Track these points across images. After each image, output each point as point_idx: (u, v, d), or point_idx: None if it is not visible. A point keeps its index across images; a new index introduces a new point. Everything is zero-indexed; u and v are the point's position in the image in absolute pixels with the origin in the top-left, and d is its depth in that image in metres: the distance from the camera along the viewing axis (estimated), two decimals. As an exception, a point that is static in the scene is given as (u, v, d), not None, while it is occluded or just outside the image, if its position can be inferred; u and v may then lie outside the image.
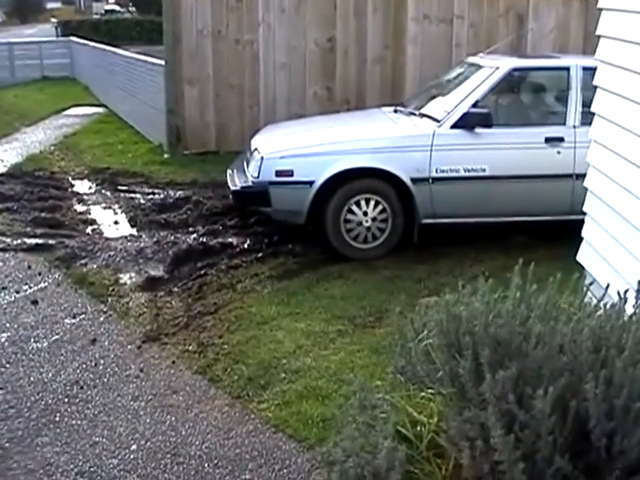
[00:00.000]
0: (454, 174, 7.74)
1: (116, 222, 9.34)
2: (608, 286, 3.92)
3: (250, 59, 12.58)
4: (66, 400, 5.29)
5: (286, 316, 6.47)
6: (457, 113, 7.88)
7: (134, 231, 8.96)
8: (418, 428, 3.38)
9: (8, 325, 6.51)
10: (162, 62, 12.86)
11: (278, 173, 7.82)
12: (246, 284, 7.22)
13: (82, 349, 6.05)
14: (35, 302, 6.94)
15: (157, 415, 5.05)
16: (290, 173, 7.79)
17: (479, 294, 3.60)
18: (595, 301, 3.77)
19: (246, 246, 8.27)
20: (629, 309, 3.48)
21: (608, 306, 3.54)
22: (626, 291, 3.54)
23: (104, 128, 16.52)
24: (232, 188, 8.24)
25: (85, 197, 10.56)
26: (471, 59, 9.24)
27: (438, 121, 7.96)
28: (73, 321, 6.57)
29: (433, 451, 3.31)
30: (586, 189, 5.61)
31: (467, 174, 7.75)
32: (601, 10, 5.34)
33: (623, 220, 4.90)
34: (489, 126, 7.83)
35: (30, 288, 7.29)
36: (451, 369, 3.38)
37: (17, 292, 7.20)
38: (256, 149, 8.30)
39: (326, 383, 5.29)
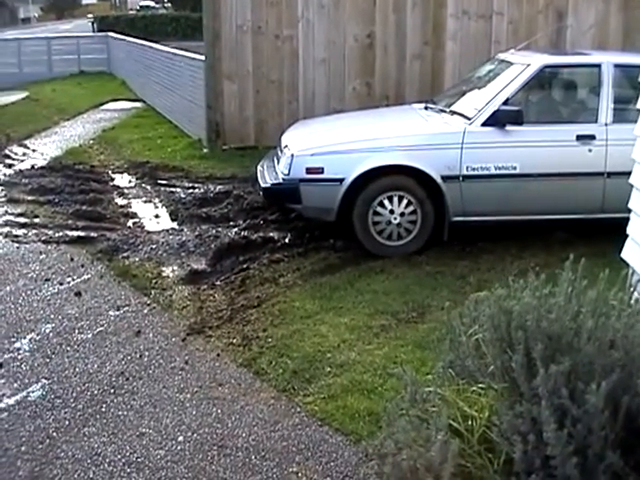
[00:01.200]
0: (485, 172, 7.69)
1: (157, 216, 9.39)
2: (657, 283, 3.91)
3: (289, 55, 12.61)
4: (112, 391, 5.33)
5: (329, 310, 6.47)
6: (488, 111, 7.81)
7: (175, 225, 9.00)
8: (469, 422, 3.39)
9: (52, 316, 6.56)
10: (202, 57, 12.91)
11: (308, 170, 7.81)
12: (288, 278, 7.22)
13: (127, 341, 6.09)
14: (79, 294, 7.00)
15: (203, 407, 5.08)
16: (320, 170, 7.78)
17: (530, 289, 3.60)
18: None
19: (287, 241, 8.27)
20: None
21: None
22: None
23: (142, 122, 16.62)
24: (262, 185, 8.26)
25: (125, 191, 10.63)
26: (502, 56, 9.14)
27: (469, 119, 7.89)
28: (117, 313, 6.61)
29: (484, 445, 3.32)
30: (631, 185, 5.55)
31: (498, 172, 7.70)
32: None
33: (671, 217, 4.87)
34: (520, 124, 7.73)
35: (73, 280, 7.35)
36: (503, 363, 3.39)
37: (60, 284, 7.26)
38: (286, 146, 8.31)
39: (371, 377, 5.29)
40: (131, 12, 58.22)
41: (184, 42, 25.18)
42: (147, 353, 5.87)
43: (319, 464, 4.43)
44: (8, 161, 12.56)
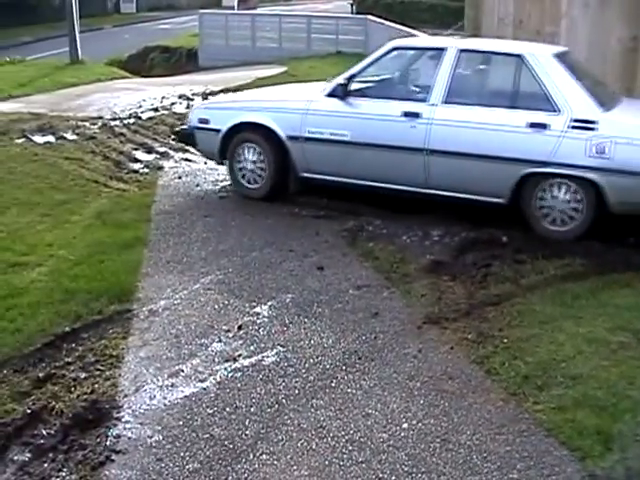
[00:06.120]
0: (320, 136, 8.83)
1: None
2: None
3: (550, 52, 12.35)
4: (343, 368, 5.46)
5: (568, 319, 6.23)
6: (334, 83, 8.97)
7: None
8: None
9: (293, 287, 6.80)
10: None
11: (200, 120, 9.71)
12: (530, 280, 6.99)
13: (363, 321, 6.19)
14: (321, 268, 7.20)
15: (431, 398, 5.10)
16: (207, 121, 9.60)
17: None
18: None
19: (533, 242, 7.96)
20: None
21: None
22: None
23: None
24: (176, 129, 11.35)
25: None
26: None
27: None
28: (356, 292, 6.73)
29: None
30: None
31: (331, 137, 8.78)
32: None
33: None
34: (343, 97, 8.76)
35: (317, 254, 7.56)
36: None
37: (304, 256, 7.49)
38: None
39: (604, 394, 5.08)
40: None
41: (439, 30, 25.06)
42: (382, 336, 5.95)
43: (540, 475, 4.35)
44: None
